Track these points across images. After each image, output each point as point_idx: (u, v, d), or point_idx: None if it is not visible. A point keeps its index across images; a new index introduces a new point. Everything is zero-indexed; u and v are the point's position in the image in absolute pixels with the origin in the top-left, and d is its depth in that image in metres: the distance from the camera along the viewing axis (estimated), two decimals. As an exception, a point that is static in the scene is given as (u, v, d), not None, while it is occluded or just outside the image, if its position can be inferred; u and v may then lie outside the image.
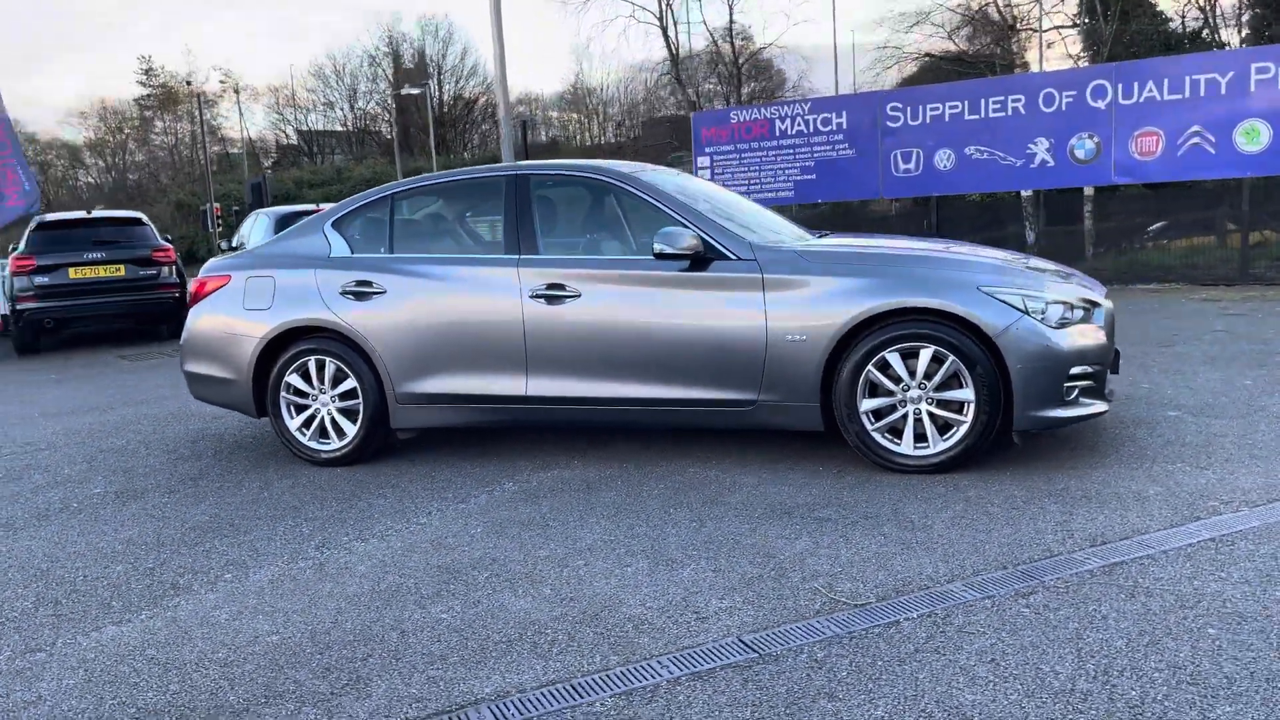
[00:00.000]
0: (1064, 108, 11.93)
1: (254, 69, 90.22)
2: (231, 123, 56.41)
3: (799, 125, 13.73)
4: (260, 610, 3.28)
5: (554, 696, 2.59)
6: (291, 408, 5.23)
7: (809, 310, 4.38)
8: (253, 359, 5.23)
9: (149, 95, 55.54)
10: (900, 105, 13.02)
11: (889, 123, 13.03)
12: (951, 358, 4.21)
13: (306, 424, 5.21)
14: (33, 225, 12.47)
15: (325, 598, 3.36)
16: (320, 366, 5.14)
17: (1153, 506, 3.76)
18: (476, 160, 42.58)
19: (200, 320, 5.45)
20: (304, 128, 57.43)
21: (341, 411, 5.15)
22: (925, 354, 4.25)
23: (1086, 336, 4.28)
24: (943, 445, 4.29)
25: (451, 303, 4.91)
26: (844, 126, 13.41)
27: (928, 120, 12.77)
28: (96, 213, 13.20)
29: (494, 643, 2.93)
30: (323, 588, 3.45)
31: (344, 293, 5.07)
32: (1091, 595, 3.00)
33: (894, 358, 4.29)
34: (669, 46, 25.42)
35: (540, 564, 3.55)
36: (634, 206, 4.80)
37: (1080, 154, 11.91)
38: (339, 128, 56.74)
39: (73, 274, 11.67)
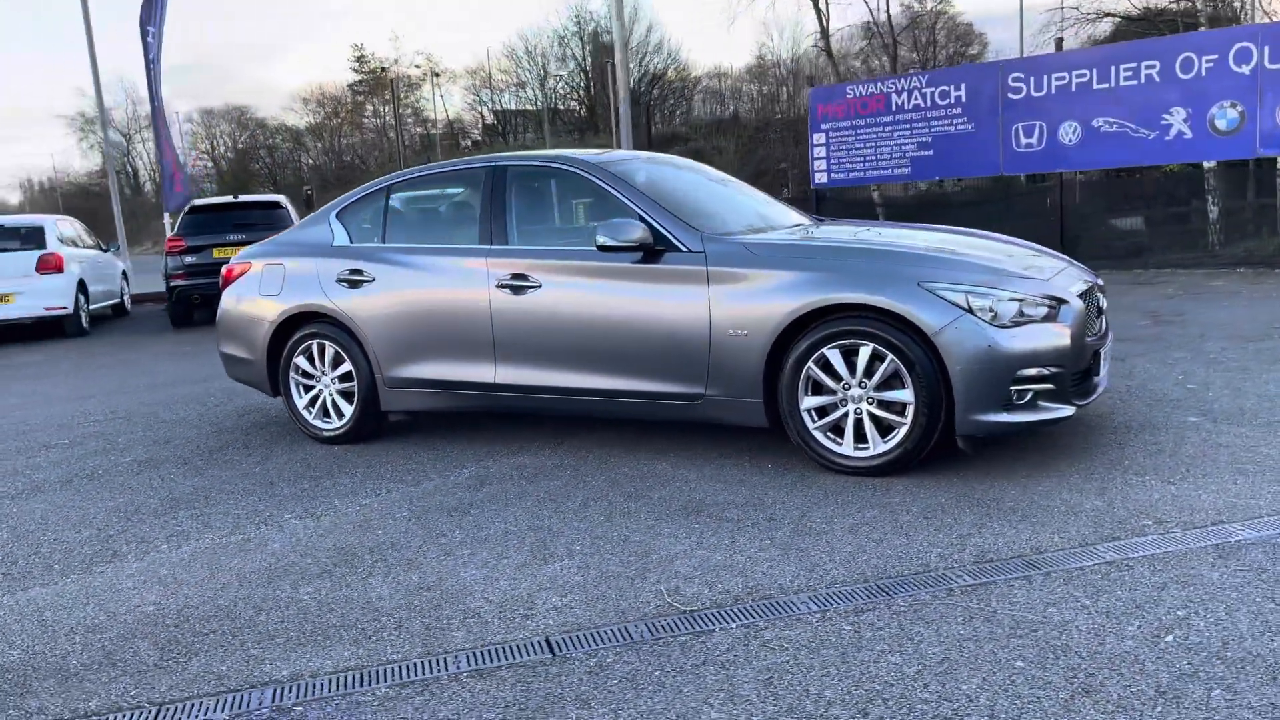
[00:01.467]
0: (1203, 73, 10.92)
1: (454, 53, 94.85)
2: (432, 106, 59.41)
3: (916, 99, 13.16)
4: (162, 581, 3.55)
5: (336, 684, 2.70)
6: (300, 388, 5.56)
7: (750, 305, 4.27)
8: (265, 341, 5.58)
9: (360, 81, 58.83)
10: (1023, 75, 12.25)
11: (1010, 94, 12.30)
12: (890, 356, 4.02)
13: (312, 403, 5.53)
14: (186, 209, 13.65)
15: (224, 572, 3.60)
16: (321, 350, 5.43)
17: (1076, 523, 3.49)
18: (660, 137, 42.81)
19: (228, 304, 5.86)
20: (499, 108, 59.57)
21: (340, 393, 5.43)
22: (864, 352, 4.08)
23: (1043, 337, 3.97)
24: (883, 447, 4.11)
25: (431, 291, 5.08)
26: (963, 99, 12.76)
27: (1053, 90, 11.98)
28: (242, 197, 14.24)
29: (329, 626, 3.07)
30: (230, 563, 3.69)
31: (339, 280, 5.33)
32: (926, 617, 2.84)
33: (835, 355, 4.13)
34: (819, 18, 24.72)
35: (430, 551, 3.66)
36: (599, 197, 4.80)
37: (1221, 124, 10.87)
38: (530, 107, 58.61)
39: (216, 254, 12.65)
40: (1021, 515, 3.60)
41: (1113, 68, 11.53)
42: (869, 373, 4.08)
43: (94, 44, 18.29)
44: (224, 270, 5.97)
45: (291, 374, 5.56)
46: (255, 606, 3.25)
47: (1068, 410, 4.07)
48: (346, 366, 5.37)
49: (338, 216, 5.58)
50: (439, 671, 2.73)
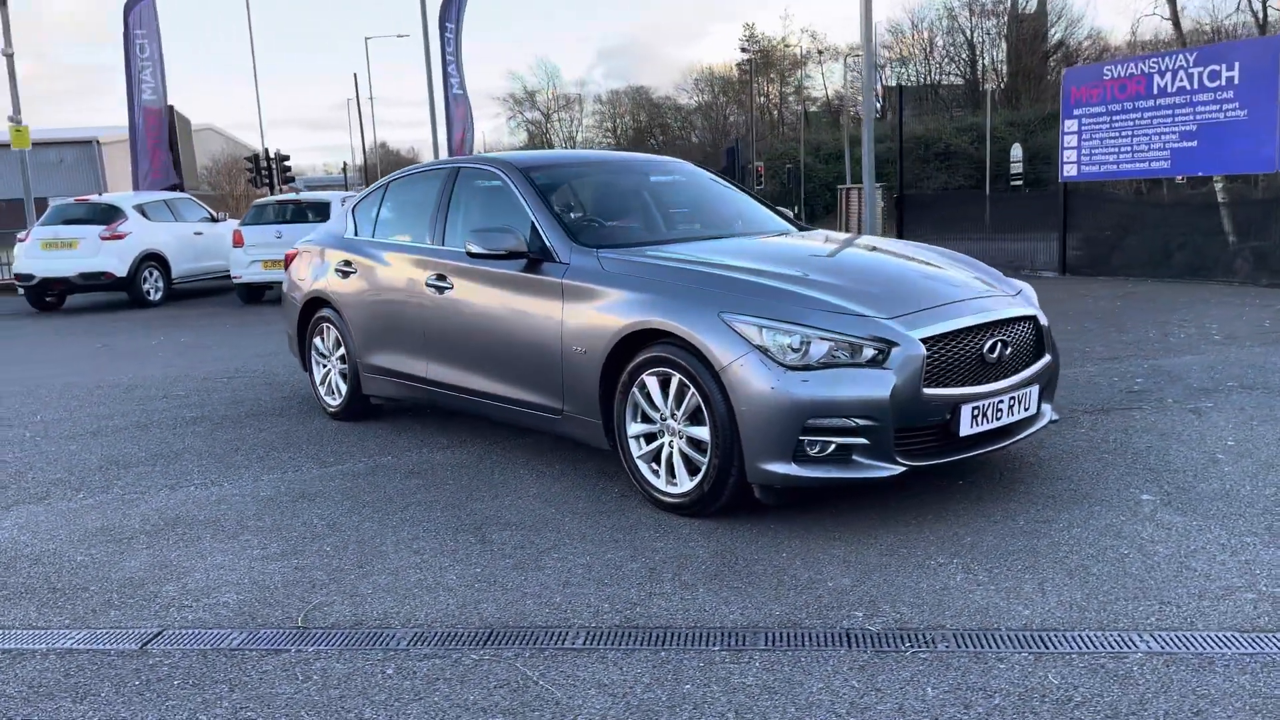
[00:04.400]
0: None
1: (840, 29, 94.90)
2: (815, 83, 60.05)
3: (1180, 80, 11.35)
4: (35, 528, 4.17)
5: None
6: (318, 365, 6.13)
7: (591, 322, 4.13)
8: (295, 321, 6.21)
9: (748, 60, 60.58)
10: (1309, 52, 10.12)
11: (1291, 75, 10.22)
12: (692, 389, 3.73)
13: (323, 380, 6.08)
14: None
15: (86, 525, 4.14)
16: (328, 332, 5.95)
17: (783, 598, 3.07)
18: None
19: (284, 286, 6.56)
20: (881, 84, 58.85)
21: (340, 373, 5.92)
22: (674, 382, 3.81)
23: (849, 384, 3.48)
24: (686, 486, 3.83)
25: (389, 285, 5.39)
26: (1235, 81, 10.81)
27: (1347, 70, 9.80)
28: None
29: (68, 588, 3.47)
30: (95, 519, 4.25)
31: (336, 270, 5.80)
32: (507, 671, 2.70)
33: (652, 382, 3.90)
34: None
35: (242, 533, 3.96)
36: (511, 200, 4.81)
37: None
38: (909, 83, 57.34)
39: None
40: (746, 580, 3.23)
41: None
42: (681, 404, 3.81)
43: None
44: (285, 254, 6.68)
45: (312, 353, 6.13)
46: (53, 562, 3.74)
47: (889, 470, 3.54)
48: (343, 350, 5.84)
49: (352, 210, 6.04)
50: (63, 644, 3.03)
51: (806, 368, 3.50)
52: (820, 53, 57.51)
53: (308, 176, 69.09)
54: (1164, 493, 3.94)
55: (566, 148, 72.71)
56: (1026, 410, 3.92)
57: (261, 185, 31.41)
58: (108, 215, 14.95)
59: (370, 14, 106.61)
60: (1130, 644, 2.70)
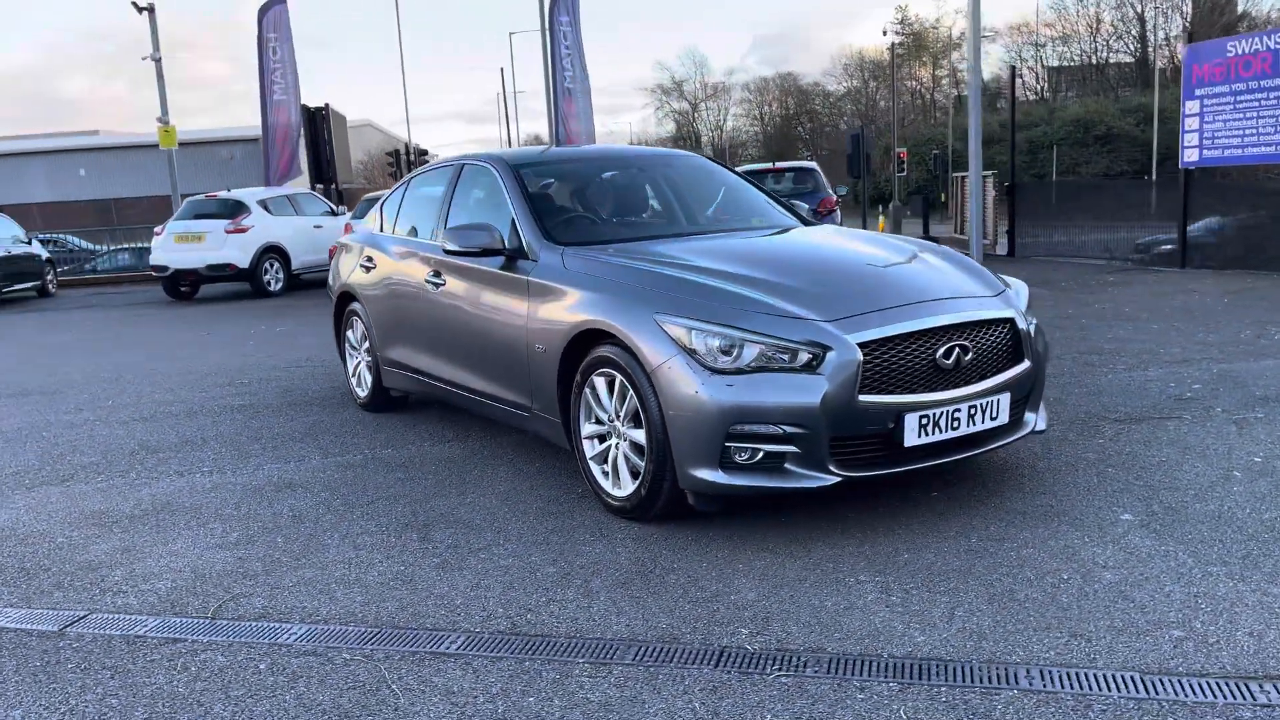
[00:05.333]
0: None
1: (997, 9, 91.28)
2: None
3: (1312, 56, 10.35)
4: (41, 509, 4.44)
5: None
6: (350, 357, 6.31)
7: (549, 321, 4.10)
8: (333, 313, 6.42)
9: (900, 44, 59.19)
10: None
11: None
12: (631, 391, 3.65)
13: (354, 372, 6.26)
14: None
15: (85, 508, 4.39)
16: (355, 326, 6.12)
17: (682, 612, 2.97)
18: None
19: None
20: (1040, 64, 56.70)
21: (366, 366, 6.08)
22: (617, 383, 3.74)
23: (777, 390, 3.33)
24: (629, 489, 3.75)
25: (398, 280, 5.49)
26: (1374, 55, 9.78)
27: None
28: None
29: (34, 568, 3.68)
30: (97, 502, 4.49)
31: (361, 265, 5.95)
32: (326, 666, 2.72)
33: (600, 383, 3.84)
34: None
35: (213, 521, 4.11)
36: (499, 196, 4.82)
37: None
38: (1070, 63, 54.83)
39: None
40: (653, 590, 3.14)
41: None
42: (624, 406, 3.74)
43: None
44: (329, 249, 6.90)
45: (346, 345, 6.33)
46: (26, 539, 4.01)
47: (822, 480, 3.37)
48: (369, 343, 6.00)
49: (381, 206, 6.19)
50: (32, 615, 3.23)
51: (737, 372, 3.37)
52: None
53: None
54: (1149, 513, 3.61)
55: (714, 137, 72.45)
56: (993, 419, 3.65)
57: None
58: (234, 210, 15.83)
59: (517, 9, 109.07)
60: (1011, 680, 2.48)
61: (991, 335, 3.69)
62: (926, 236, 18.12)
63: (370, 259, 5.84)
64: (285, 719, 2.50)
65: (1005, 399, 3.68)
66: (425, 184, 5.78)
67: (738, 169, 13.74)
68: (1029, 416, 3.92)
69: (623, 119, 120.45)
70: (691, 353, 3.43)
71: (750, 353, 3.38)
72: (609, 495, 3.86)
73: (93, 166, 42.48)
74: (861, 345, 3.38)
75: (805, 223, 5.08)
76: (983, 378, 3.63)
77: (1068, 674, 2.50)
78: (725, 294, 3.61)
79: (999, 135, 33.69)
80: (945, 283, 3.85)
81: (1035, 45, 55.32)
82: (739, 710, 2.42)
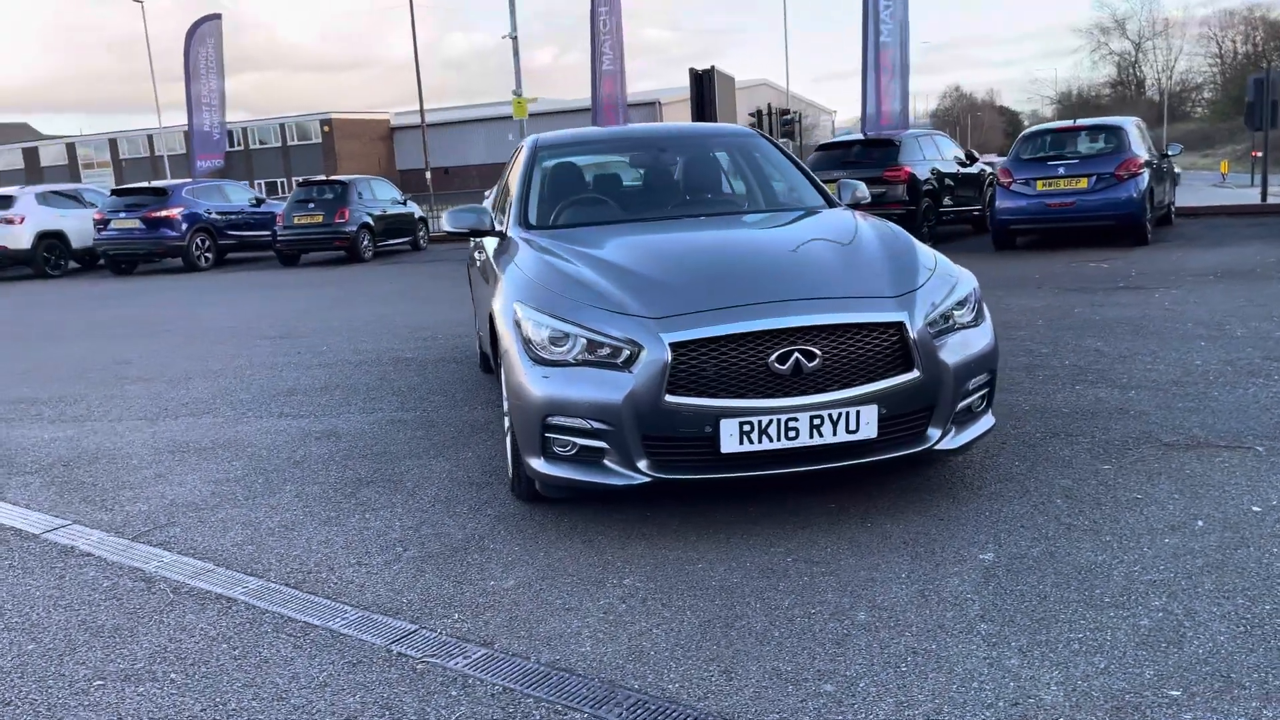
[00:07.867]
0: None
1: None
2: None
3: None
4: (137, 435, 5.50)
5: None
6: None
7: (490, 301, 4.33)
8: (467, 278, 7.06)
9: None
10: None
11: None
12: (506, 374, 3.83)
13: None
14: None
15: (165, 440, 5.38)
16: (472, 295, 6.69)
17: (436, 612, 3.16)
18: None
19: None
20: None
21: (478, 333, 6.64)
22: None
23: (585, 385, 3.35)
24: (511, 471, 3.93)
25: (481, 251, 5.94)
26: None
27: None
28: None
29: (76, 482, 4.64)
30: (180, 435, 5.44)
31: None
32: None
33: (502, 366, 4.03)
34: None
35: (228, 460, 4.91)
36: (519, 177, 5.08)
37: None
38: None
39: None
40: (451, 570, 3.34)
41: None
42: (510, 390, 3.92)
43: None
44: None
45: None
46: (98, 458, 5.02)
47: (631, 479, 3.36)
48: (481, 309, 6.54)
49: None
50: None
51: (561, 364, 3.43)
52: None
53: (844, 130, 70.29)
54: (1011, 555, 3.14)
55: (1160, 81, 63.46)
56: (850, 433, 3.34)
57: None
58: None
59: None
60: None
61: (857, 341, 3.36)
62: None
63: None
64: (92, 616, 3.08)
65: (870, 410, 3.35)
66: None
67: (1030, 129, 12.17)
68: (932, 432, 3.51)
69: (1052, 65, 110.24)
70: (528, 342, 3.53)
71: (578, 346, 3.43)
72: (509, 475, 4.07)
73: (520, 133, 47.43)
74: (674, 345, 3.29)
75: (832, 204, 4.79)
76: (840, 387, 3.34)
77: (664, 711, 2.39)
78: (578, 286, 3.65)
79: None
80: (820, 280, 3.56)
81: None
82: (363, 681, 2.61)
